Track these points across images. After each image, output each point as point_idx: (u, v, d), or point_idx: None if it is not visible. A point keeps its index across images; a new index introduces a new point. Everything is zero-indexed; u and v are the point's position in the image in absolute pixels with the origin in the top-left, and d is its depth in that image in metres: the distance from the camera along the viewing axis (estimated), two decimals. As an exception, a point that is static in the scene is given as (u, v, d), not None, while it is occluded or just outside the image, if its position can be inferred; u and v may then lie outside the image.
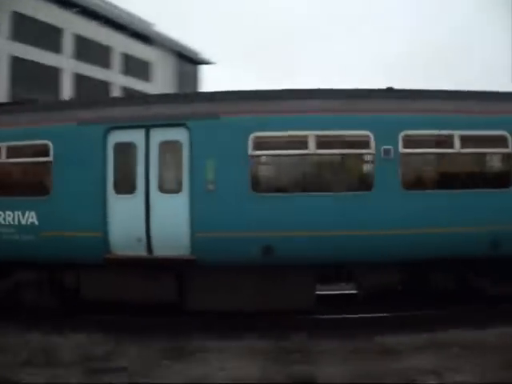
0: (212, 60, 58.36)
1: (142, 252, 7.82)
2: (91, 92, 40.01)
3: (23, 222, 7.71)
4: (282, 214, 7.62)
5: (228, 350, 6.86)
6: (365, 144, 7.61)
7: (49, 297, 8.12)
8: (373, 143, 7.56)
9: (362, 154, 7.75)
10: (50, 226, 7.70)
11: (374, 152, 7.57)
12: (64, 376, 5.96)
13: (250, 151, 7.62)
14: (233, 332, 7.45)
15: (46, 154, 7.79)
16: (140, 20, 50.81)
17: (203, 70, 59.18)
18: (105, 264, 7.81)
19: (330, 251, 7.64)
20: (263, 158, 7.83)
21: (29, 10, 36.09)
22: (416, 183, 7.81)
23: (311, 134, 7.62)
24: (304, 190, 7.76)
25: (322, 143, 7.68)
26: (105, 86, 44.11)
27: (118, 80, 45.94)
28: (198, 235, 7.65)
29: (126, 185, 7.81)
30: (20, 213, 7.71)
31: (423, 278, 8.23)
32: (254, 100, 7.99)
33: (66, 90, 39.77)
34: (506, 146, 7.67)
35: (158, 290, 7.95)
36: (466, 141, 7.68)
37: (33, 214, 7.71)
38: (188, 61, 56.68)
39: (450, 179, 7.88)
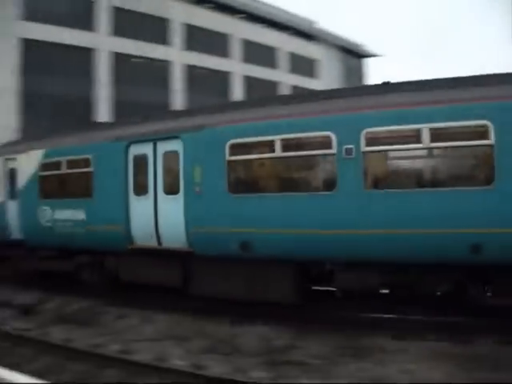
0: (377, 53, 56.59)
1: (154, 243, 9.56)
2: (261, 93, 41.92)
3: (75, 217, 10.31)
4: (255, 213, 8.36)
5: (407, 351, 6.83)
6: (327, 144, 7.73)
7: (99, 276, 10.58)
8: (335, 143, 7.64)
9: (324, 155, 7.86)
10: (92, 221, 10.10)
11: (335, 152, 7.63)
12: (245, 366, 6.41)
13: (227, 157, 8.55)
14: (411, 332, 7.44)
15: (89, 166, 10.21)
16: (302, 19, 52.17)
17: (369, 63, 57.80)
18: (129, 252, 9.82)
19: (298, 249, 8.05)
20: (238, 163, 8.62)
21: (198, 21, 40.51)
22: (380, 182, 7.53)
23: (277, 138, 8.13)
24: (272, 191, 8.32)
25: (288, 146, 8.12)
26: (273, 86, 46.33)
27: (286, 79, 47.71)
28: (190, 231, 8.99)
29: (141, 188, 9.65)
30: (73, 210, 10.32)
31: (411, 282, 7.84)
32: (230, 110, 8.85)
33: (237, 93, 43.60)
34: (487, 138, 6.75)
35: (168, 276, 9.59)
36: (437, 134, 7.06)
37: (82, 211, 10.22)
38: (353, 55, 56.13)
39: (419, 177, 7.37)
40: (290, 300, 8.57)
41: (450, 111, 7.00)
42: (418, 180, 7.41)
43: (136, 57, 36.83)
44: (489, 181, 6.83)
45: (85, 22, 34.46)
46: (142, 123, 10.00)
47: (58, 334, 8.55)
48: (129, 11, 36.17)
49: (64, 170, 10.72)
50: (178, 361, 6.82)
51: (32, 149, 11.35)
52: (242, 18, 45.46)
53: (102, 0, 34.84)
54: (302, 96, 8.25)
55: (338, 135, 7.63)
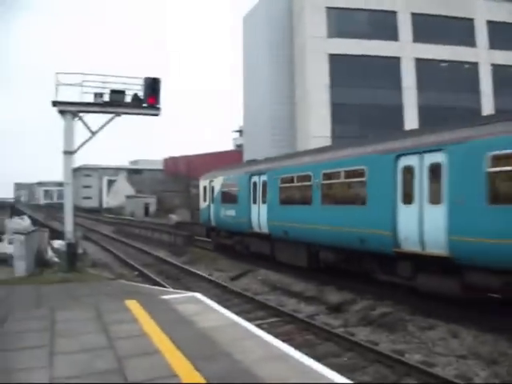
0: None
1: (266, 231, 17.95)
2: None
3: (232, 214, 19.81)
4: (288, 215, 15.76)
5: None
6: (310, 179, 14.47)
7: (244, 249, 19.74)
8: (312, 178, 14.36)
9: (309, 185, 14.54)
10: (237, 216, 19.37)
11: (312, 183, 14.33)
12: None
13: (279, 184, 16.44)
14: None
15: (236, 187, 19.53)
16: None
17: None
18: (251, 235, 18.54)
19: (302, 236, 15.01)
20: (283, 188, 16.14)
21: (504, 17, 38.07)
22: (325, 200, 13.84)
23: (295, 175, 15.47)
24: (291, 204, 15.52)
25: (298, 179, 15.32)
26: None
27: None
28: (269, 223, 17.04)
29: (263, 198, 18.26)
30: (231, 210, 19.86)
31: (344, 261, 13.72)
32: (280, 160, 16.47)
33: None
34: (363, 176, 12.27)
35: (264, 249, 17.84)
36: (347, 174, 12.93)
37: (233, 211, 19.67)
38: None
39: (338, 198, 13.33)
40: (303, 265, 15.33)
41: (351, 160, 12.69)
42: (337, 200, 13.33)
43: (440, 61, 36.88)
44: (364, 202, 12.22)
45: (387, 32, 36.46)
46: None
47: (362, 335, 9.31)
48: (429, 15, 36.72)
49: (228, 189, 20.67)
50: None
51: (220, 175, 21.76)
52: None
53: (403, 8, 36.57)
54: (301, 153, 15.14)
55: (314, 174, 14.20)
